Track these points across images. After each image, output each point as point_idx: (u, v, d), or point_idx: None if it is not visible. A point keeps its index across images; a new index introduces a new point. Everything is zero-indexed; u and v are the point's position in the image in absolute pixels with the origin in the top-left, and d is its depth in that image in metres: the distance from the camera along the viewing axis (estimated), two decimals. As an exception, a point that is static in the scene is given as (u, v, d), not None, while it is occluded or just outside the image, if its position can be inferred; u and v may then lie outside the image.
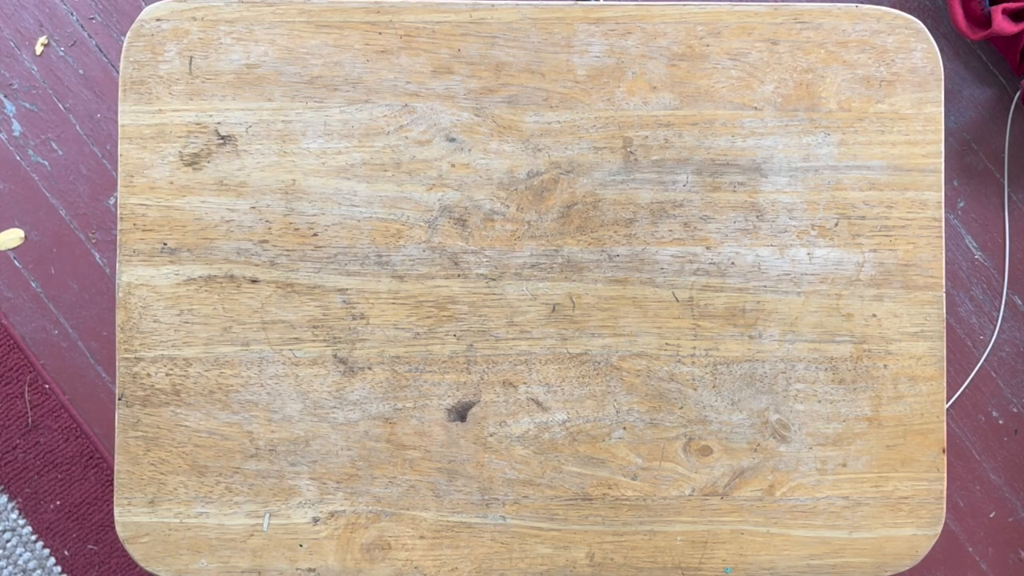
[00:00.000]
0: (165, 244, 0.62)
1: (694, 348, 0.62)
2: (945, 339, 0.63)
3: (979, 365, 1.17)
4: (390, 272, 0.62)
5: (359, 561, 0.62)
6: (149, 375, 0.62)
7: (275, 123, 0.62)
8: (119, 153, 0.62)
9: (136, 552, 0.62)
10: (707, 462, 0.63)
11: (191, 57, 0.62)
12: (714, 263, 0.63)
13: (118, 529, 0.62)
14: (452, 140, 0.62)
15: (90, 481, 1.19)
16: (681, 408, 0.63)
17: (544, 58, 0.63)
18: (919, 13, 1.17)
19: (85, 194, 1.19)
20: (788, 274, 0.63)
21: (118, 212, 0.62)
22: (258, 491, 0.62)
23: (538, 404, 0.62)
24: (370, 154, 0.62)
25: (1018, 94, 1.16)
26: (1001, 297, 1.18)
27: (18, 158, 1.19)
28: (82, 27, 1.19)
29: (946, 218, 1.17)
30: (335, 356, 0.62)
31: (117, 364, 0.62)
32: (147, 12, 0.62)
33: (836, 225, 0.63)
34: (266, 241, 0.62)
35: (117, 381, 0.62)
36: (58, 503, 1.18)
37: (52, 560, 1.19)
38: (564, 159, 0.62)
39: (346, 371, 0.62)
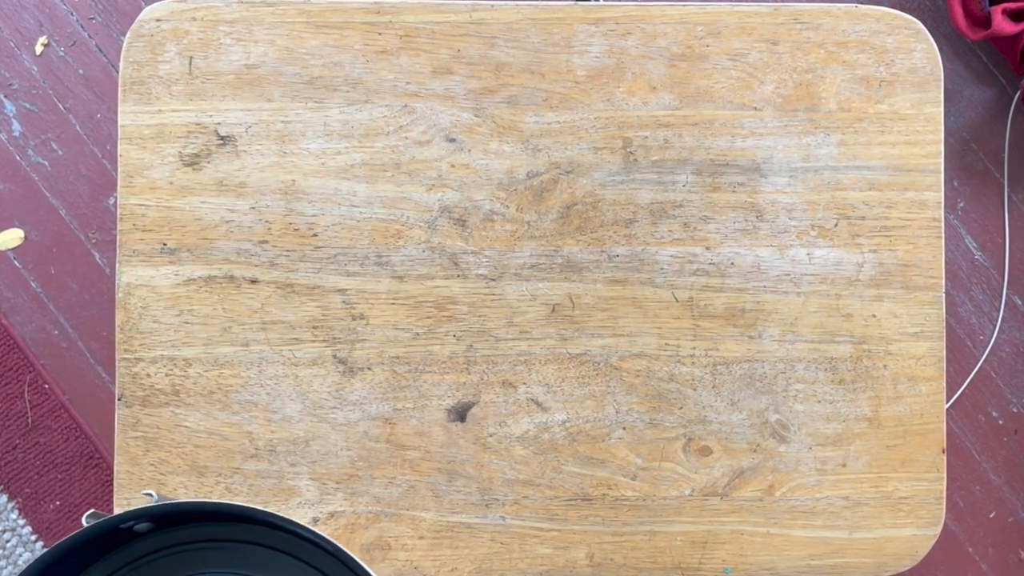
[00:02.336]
0: (165, 244, 0.62)
1: (694, 348, 0.62)
2: (945, 339, 0.63)
3: (979, 365, 1.17)
4: (390, 272, 0.62)
5: (359, 561, 0.62)
6: (149, 375, 0.62)
7: (275, 123, 0.62)
8: (119, 153, 0.62)
9: (136, 552, 0.62)
10: (707, 462, 0.63)
11: (191, 57, 0.62)
12: (714, 263, 0.63)
13: (118, 529, 0.62)
14: (452, 140, 0.62)
15: (90, 481, 1.19)
16: (681, 408, 0.62)
17: (544, 58, 0.63)
18: (919, 13, 1.17)
19: (85, 194, 1.19)
20: (788, 274, 0.63)
21: (118, 212, 0.62)
22: (258, 491, 0.62)
23: (538, 404, 0.62)
24: (370, 154, 0.62)
25: (1018, 94, 1.16)
26: (1001, 297, 1.18)
27: (18, 158, 1.19)
28: (82, 27, 1.19)
29: (946, 218, 1.17)
30: (335, 356, 0.62)
31: (117, 364, 0.62)
32: (147, 12, 0.62)
33: (836, 225, 0.63)
34: (266, 241, 0.62)
35: (117, 381, 0.62)
36: (58, 503, 1.18)
37: (52, 560, 1.19)
38: (564, 159, 0.62)
39: (346, 371, 0.62)
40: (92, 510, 0.45)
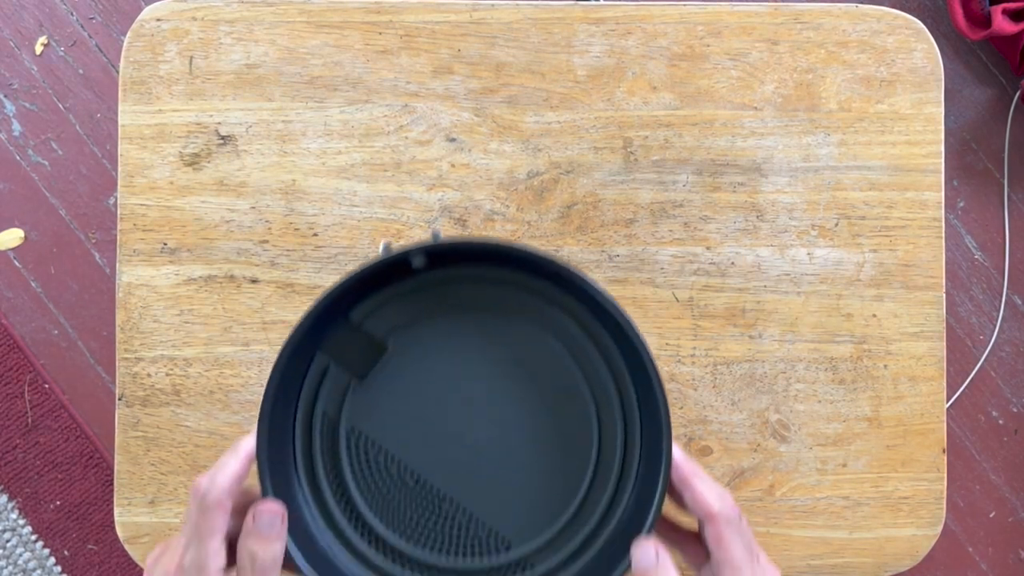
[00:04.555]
0: (165, 244, 0.62)
1: (694, 348, 0.62)
2: (945, 339, 0.63)
3: (979, 365, 1.17)
4: (390, 272, 0.62)
5: (359, 561, 0.62)
6: (149, 375, 0.62)
7: (275, 123, 0.62)
8: (119, 153, 0.62)
9: (136, 552, 0.62)
10: (707, 462, 0.63)
11: (191, 57, 0.62)
12: (714, 263, 0.63)
13: (118, 529, 0.62)
14: (452, 140, 0.62)
15: (90, 481, 1.19)
16: (681, 408, 0.62)
17: (544, 58, 0.63)
18: (919, 13, 1.17)
19: (85, 194, 1.19)
20: (788, 274, 0.63)
21: (118, 212, 0.62)
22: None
23: (538, 404, 0.62)
24: (370, 154, 0.62)
25: (1018, 94, 1.16)
26: (1001, 297, 1.18)
27: (18, 158, 1.19)
28: (82, 27, 1.19)
29: (946, 218, 1.17)
30: (335, 356, 0.62)
31: (117, 364, 0.62)
32: (147, 12, 0.62)
33: (836, 225, 0.63)
34: (266, 241, 0.62)
35: (117, 381, 0.62)
36: (58, 503, 1.18)
37: (52, 560, 1.19)
38: (564, 159, 0.62)
39: (346, 371, 0.62)
40: (386, 240, 0.53)
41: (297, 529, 0.50)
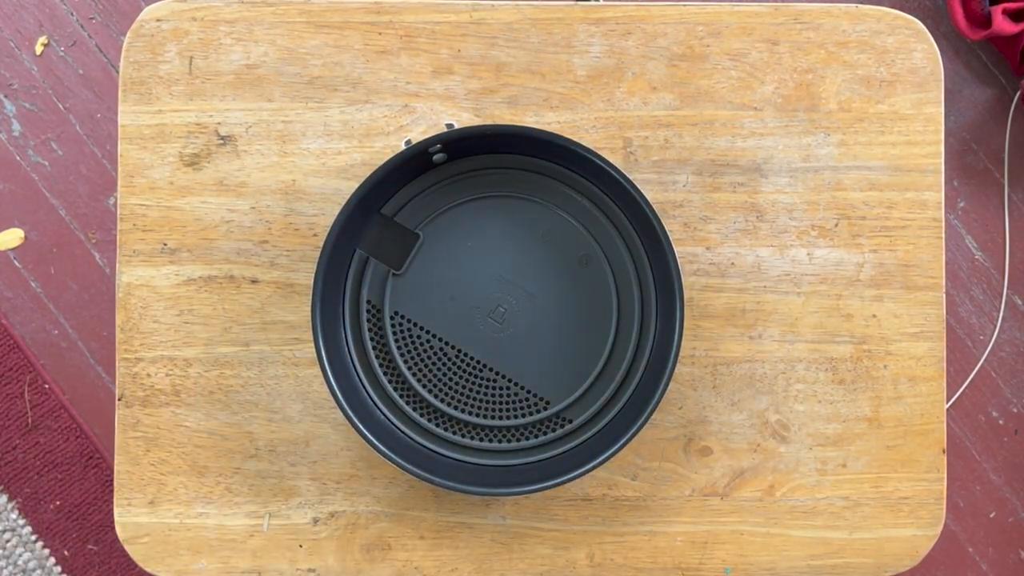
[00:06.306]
0: (165, 244, 0.62)
1: (694, 348, 0.62)
2: (945, 339, 0.63)
3: (979, 365, 1.17)
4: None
5: (359, 561, 0.62)
6: (149, 375, 0.62)
7: (275, 123, 0.62)
8: (119, 153, 0.62)
9: (136, 552, 0.62)
10: (707, 462, 0.63)
11: (191, 57, 0.62)
12: (714, 263, 0.63)
13: (118, 529, 0.62)
14: (452, 140, 0.62)
15: (90, 481, 1.19)
16: (681, 408, 0.63)
17: (544, 58, 0.63)
18: (919, 13, 1.17)
19: (85, 194, 1.19)
20: (788, 274, 0.63)
21: (118, 212, 0.62)
22: (258, 491, 0.62)
23: (538, 404, 0.62)
24: (370, 154, 0.62)
25: (1018, 94, 1.16)
26: (1001, 297, 1.18)
27: (18, 158, 1.19)
28: (82, 27, 1.19)
29: (946, 218, 1.17)
30: (335, 356, 0.62)
31: (117, 364, 0.62)
32: (147, 12, 0.62)
33: (836, 225, 0.63)
34: (266, 241, 0.62)
35: (117, 381, 0.62)
36: (58, 503, 1.18)
37: (52, 560, 1.19)
38: (564, 159, 0.62)
39: (346, 371, 0.62)
40: (407, 137, 0.59)
41: (356, 404, 0.56)
